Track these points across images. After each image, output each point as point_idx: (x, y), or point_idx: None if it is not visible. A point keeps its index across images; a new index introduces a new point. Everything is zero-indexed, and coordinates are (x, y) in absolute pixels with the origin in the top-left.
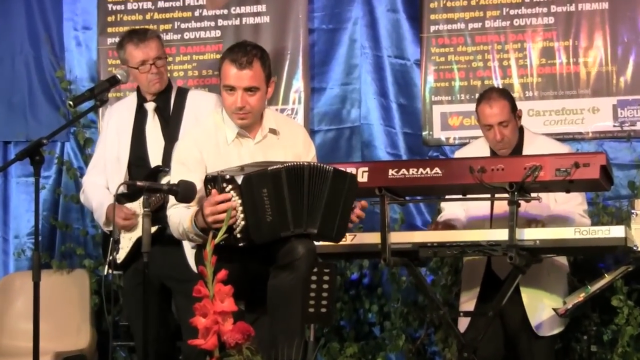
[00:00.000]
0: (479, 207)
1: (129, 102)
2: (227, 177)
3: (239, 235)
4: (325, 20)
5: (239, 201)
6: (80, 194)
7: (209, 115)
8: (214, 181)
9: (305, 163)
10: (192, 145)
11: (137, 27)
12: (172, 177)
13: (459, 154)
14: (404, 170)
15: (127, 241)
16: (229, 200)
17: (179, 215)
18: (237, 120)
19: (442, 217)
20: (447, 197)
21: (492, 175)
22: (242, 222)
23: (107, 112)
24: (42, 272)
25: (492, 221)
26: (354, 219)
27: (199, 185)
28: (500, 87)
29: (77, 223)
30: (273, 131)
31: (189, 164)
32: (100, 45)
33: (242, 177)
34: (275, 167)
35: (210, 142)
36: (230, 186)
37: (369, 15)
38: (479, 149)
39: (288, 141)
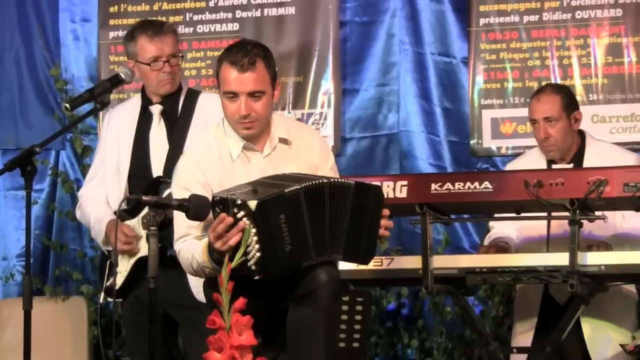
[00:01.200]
0: (535, 226)
1: (132, 105)
2: (239, 201)
3: (253, 268)
4: (359, 12)
5: (253, 230)
6: (76, 209)
7: (209, 129)
8: (222, 204)
9: (325, 180)
10: (193, 167)
11: (150, 18)
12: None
13: (512, 165)
14: (448, 185)
15: (125, 264)
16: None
17: (191, 249)
18: (242, 131)
19: (491, 237)
20: (498, 215)
21: (551, 191)
22: (258, 254)
23: (107, 116)
24: (33, 299)
25: (549, 243)
26: (382, 233)
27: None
28: None
29: (73, 243)
30: (284, 141)
31: (193, 188)
32: (101, 39)
33: (255, 202)
34: (292, 188)
35: (213, 161)
36: (242, 212)
37: (410, 6)
38: (535, 160)
39: (301, 151)
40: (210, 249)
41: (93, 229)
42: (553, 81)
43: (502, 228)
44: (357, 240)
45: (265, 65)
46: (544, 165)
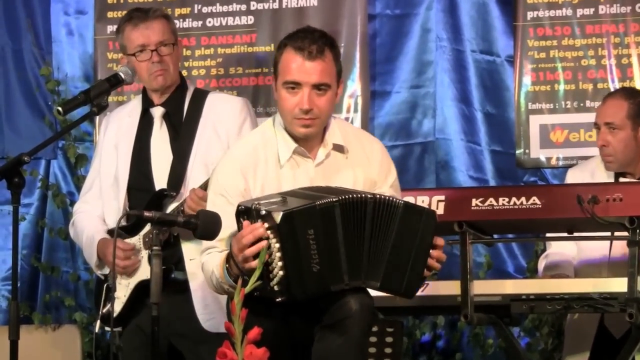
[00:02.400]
0: (596, 247)
1: (132, 107)
2: (263, 212)
3: (276, 288)
4: (390, 4)
5: (277, 245)
6: (69, 226)
7: (260, 126)
8: (247, 214)
9: (369, 195)
10: (234, 172)
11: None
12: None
13: (571, 175)
14: (491, 200)
15: (123, 288)
16: (262, 235)
17: (213, 263)
18: (299, 129)
19: (547, 257)
20: (547, 235)
21: (607, 207)
22: (281, 272)
23: (104, 121)
24: (20, 327)
25: (609, 266)
26: (432, 265)
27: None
28: None
29: (65, 265)
30: (339, 148)
31: (230, 195)
32: (97, 34)
33: (281, 214)
34: (325, 201)
35: (257, 165)
36: (266, 224)
37: None
38: (592, 171)
39: (359, 162)
40: (228, 264)
41: (85, 250)
42: (610, 83)
43: (560, 245)
44: (399, 268)
45: (334, 57)
46: (603, 178)
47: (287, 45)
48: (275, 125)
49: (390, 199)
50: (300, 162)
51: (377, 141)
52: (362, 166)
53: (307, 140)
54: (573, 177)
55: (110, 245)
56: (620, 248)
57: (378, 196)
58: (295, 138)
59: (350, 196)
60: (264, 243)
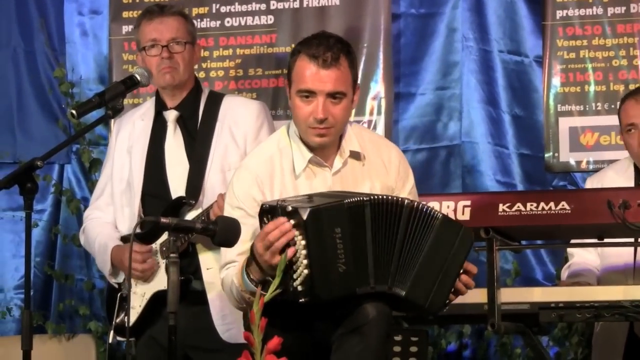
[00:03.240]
0: (620, 253)
1: (145, 110)
2: (289, 208)
3: (300, 288)
4: (414, 3)
5: (303, 242)
6: (80, 233)
7: (274, 135)
8: (271, 213)
9: (407, 200)
10: (250, 183)
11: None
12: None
13: (593, 181)
14: (519, 205)
15: (138, 298)
16: (287, 229)
17: (232, 272)
18: (314, 138)
19: (570, 267)
20: (575, 241)
21: (639, 212)
22: (306, 271)
23: (116, 123)
24: (34, 337)
25: (635, 273)
26: (460, 288)
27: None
28: None
29: (80, 273)
30: (356, 155)
31: (248, 207)
32: (112, 35)
33: (308, 210)
34: (355, 199)
35: (274, 176)
36: (292, 221)
37: None
38: (620, 174)
39: (376, 169)
40: (248, 268)
41: (97, 258)
42: None
43: (583, 256)
44: (428, 280)
45: (349, 64)
46: (631, 181)
47: (300, 52)
48: (290, 134)
49: (430, 209)
50: (317, 172)
51: (394, 147)
52: (379, 173)
53: (323, 149)
54: (594, 184)
55: (126, 251)
56: None
57: (416, 203)
58: (310, 147)
59: (384, 197)
60: (290, 234)
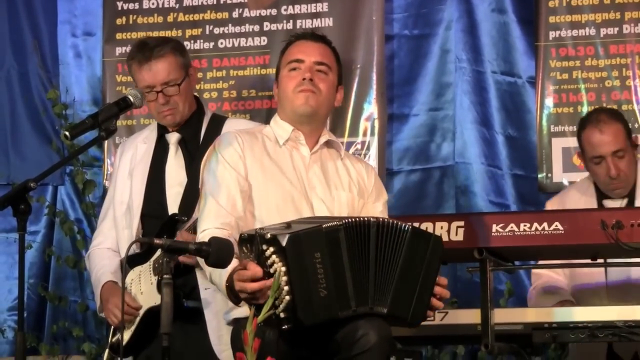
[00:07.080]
0: (591, 272)
1: (147, 134)
2: (268, 236)
3: (282, 315)
4: (408, 24)
5: (283, 269)
6: (85, 259)
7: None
8: (250, 242)
9: (373, 219)
10: (232, 138)
11: (149, 36)
12: (201, 198)
13: (553, 204)
14: (512, 226)
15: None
16: (268, 274)
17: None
18: (300, 100)
19: (544, 285)
20: (572, 261)
21: (632, 233)
22: (287, 297)
23: (119, 147)
24: (28, 359)
25: (608, 291)
26: (436, 304)
27: (233, 187)
28: None
29: (73, 294)
30: (336, 146)
31: (230, 162)
32: (106, 56)
33: (287, 236)
34: (331, 224)
35: (256, 144)
36: (271, 249)
37: (467, 18)
38: (582, 193)
39: (357, 170)
40: (232, 294)
41: (94, 289)
42: (636, 105)
43: (551, 277)
44: (407, 295)
45: (336, 56)
46: (592, 202)
47: (291, 40)
48: (271, 122)
49: (396, 223)
50: (298, 147)
51: (372, 166)
52: (358, 171)
53: (304, 127)
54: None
55: (114, 293)
56: (616, 272)
57: (382, 219)
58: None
59: (354, 220)
60: (268, 282)
